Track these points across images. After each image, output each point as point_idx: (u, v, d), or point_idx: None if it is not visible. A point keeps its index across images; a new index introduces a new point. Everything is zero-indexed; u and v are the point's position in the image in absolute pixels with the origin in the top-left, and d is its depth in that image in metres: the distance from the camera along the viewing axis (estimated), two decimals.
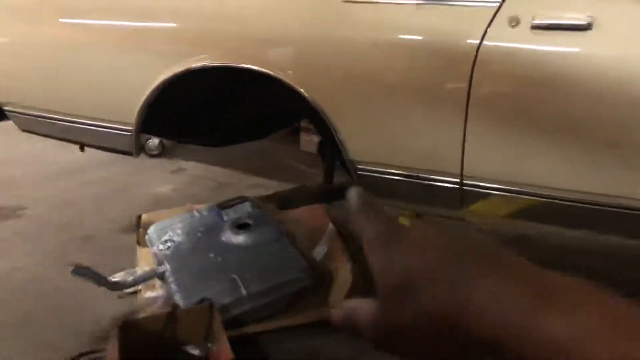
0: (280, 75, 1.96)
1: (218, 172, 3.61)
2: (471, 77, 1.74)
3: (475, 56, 1.73)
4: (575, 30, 1.63)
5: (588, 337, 0.29)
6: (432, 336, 0.35)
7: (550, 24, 1.66)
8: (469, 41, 1.74)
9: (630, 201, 1.67)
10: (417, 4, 1.85)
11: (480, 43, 1.72)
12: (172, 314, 1.83)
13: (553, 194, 1.76)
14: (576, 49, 1.65)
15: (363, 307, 0.38)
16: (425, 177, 1.93)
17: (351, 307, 0.39)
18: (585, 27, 1.61)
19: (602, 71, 1.61)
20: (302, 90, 1.95)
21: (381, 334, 0.37)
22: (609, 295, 0.32)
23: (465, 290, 0.33)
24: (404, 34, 1.87)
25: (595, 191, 1.70)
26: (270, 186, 3.11)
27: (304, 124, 3.43)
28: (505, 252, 0.36)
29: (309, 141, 3.55)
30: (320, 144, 2.88)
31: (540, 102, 1.71)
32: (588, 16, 1.62)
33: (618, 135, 1.64)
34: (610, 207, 1.69)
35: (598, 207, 1.69)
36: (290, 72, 1.96)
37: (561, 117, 1.70)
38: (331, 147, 2.19)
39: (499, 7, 1.73)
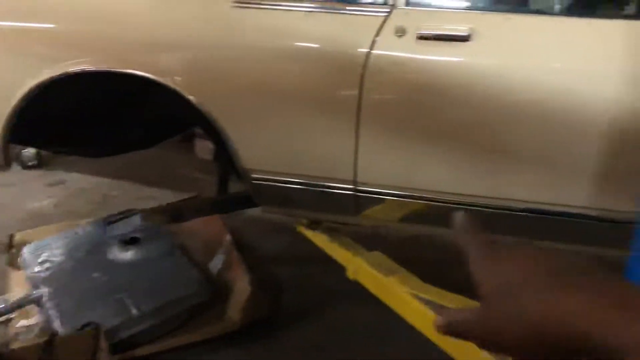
0: (167, 82, 1.87)
1: (103, 184, 3.39)
2: (361, 85, 1.77)
3: (365, 65, 1.76)
4: (457, 41, 1.71)
5: None
6: (532, 336, 0.39)
7: (434, 35, 1.73)
8: (358, 50, 1.77)
9: (509, 202, 1.77)
10: (306, 11, 1.85)
11: (369, 52, 1.76)
12: (50, 342, 1.67)
13: (441, 197, 1.83)
14: (457, 58, 1.73)
15: (467, 311, 0.43)
16: (320, 185, 1.93)
17: (456, 312, 0.44)
18: (466, 38, 1.70)
19: (481, 79, 1.70)
20: (191, 97, 1.88)
21: (484, 333, 0.42)
22: None
23: (560, 296, 0.38)
24: (294, 41, 1.85)
25: (479, 194, 1.79)
26: (162, 197, 2.95)
27: (198, 129, 3.32)
28: (599, 269, 0.40)
29: (205, 148, 3.43)
30: (216, 151, 2.80)
31: (427, 109, 1.77)
32: (468, 28, 1.70)
33: (496, 140, 1.74)
34: (493, 208, 1.79)
35: (482, 208, 1.78)
36: (178, 78, 1.88)
37: (446, 124, 1.77)
38: (224, 155, 2.13)
39: (387, 18, 1.77)
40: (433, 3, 1.90)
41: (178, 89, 1.87)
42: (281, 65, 1.84)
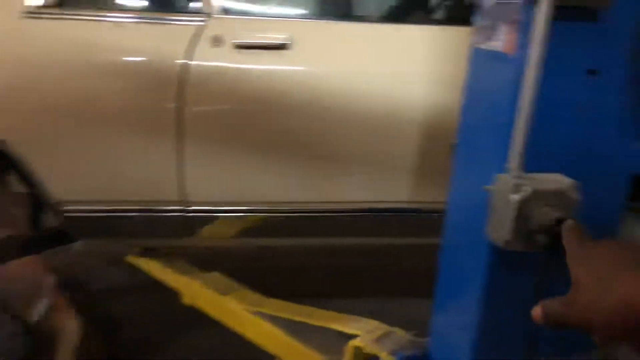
0: None
1: None
2: (179, 98, 1.66)
3: (181, 76, 1.66)
4: (275, 49, 1.69)
5: None
6: (620, 316, 0.45)
7: (252, 43, 1.68)
8: (173, 61, 1.66)
9: (343, 204, 1.79)
10: (114, 22, 1.70)
11: (186, 63, 1.66)
12: None
13: (276, 208, 1.79)
14: (277, 67, 1.70)
15: (559, 299, 0.51)
16: (146, 209, 1.78)
17: (548, 303, 0.51)
18: (284, 46, 1.68)
19: (301, 86, 1.69)
20: None
21: (575, 315, 0.48)
22: None
23: None
24: (101, 55, 1.68)
25: (312, 200, 1.78)
26: None
27: None
28: None
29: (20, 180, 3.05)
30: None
31: (250, 119, 1.72)
32: (286, 36, 1.69)
33: (321, 145, 1.74)
34: (328, 212, 1.79)
35: (317, 214, 1.77)
36: None
37: (271, 133, 1.73)
38: (33, 189, 1.87)
39: (202, 27, 1.69)
40: (250, 11, 1.86)
41: None
42: (86, 82, 1.66)
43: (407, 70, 1.71)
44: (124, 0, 1.94)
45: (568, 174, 0.90)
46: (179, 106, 1.67)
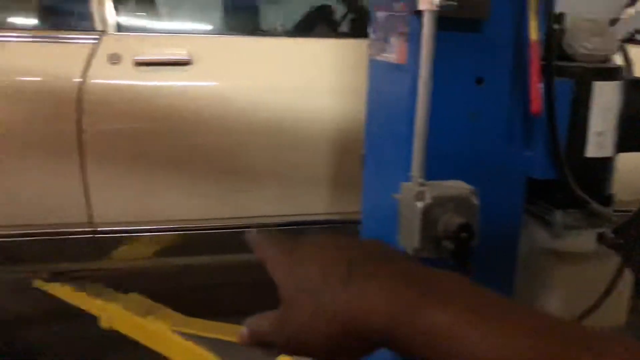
0: None
1: None
2: (79, 118, 1.60)
3: (79, 96, 1.60)
4: (177, 65, 1.66)
5: (462, 322, 0.33)
6: (332, 334, 0.38)
7: (153, 60, 1.65)
8: (69, 80, 1.60)
9: (256, 219, 1.80)
10: (5, 41, 1.60)
11: (82, 82, 1.60)
12: None
13: (186, 225, 1.77)
14: (180, 83, 1.68)
15: (266, 317, 0.42)
16: (53, 233, 1.70)
17: (254, 321, 0.42)
18: (187, 62, 1.66)
19: (206, 102, 1.68)
20: None
21: (286, 337, 0.40)
22: (477, 287, 0.37)
23: (358, 289, 0.37)
24: None
25: (226, 215, 1.78)
26: None
27: None
28: (394, 254, 0.41)
29: None
30: None
31: (154, 136, 1.68)
32: (189, 51, 1.67)
33: (231, 160, 1.74)
34: (241, 228, 1.79)
35: (231, 230, 1.77)
36: None
37: (177, 149, 1.71)
38: None
39: (97, 45, 1.63)
40: (147, 28, 1.82)
41: None
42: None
43: (313, 83, 1.74)
44: (15, 19, 1.83)
45: (468, 180, 0.97)
46: (79, 126, 1.60)
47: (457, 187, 0.95)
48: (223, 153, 1.73)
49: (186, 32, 1.87)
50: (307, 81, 1.74)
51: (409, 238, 0.93)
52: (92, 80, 1.61)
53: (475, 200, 0.92)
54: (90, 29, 1.66)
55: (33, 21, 1.85)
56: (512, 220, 1.09)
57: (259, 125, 1.70)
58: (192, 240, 1.80)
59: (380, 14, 1.12)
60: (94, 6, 1.65)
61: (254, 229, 0.48)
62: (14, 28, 1.74)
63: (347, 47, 1.78)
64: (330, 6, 2.37)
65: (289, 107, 1.72)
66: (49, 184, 1.65)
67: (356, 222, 1.26)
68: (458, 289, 0.37)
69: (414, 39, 0.99)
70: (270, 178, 1.77)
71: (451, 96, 1.04)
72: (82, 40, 1.64)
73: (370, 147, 1.20)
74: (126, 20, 1.73)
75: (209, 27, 1.96)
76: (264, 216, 1.79)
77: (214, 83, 1.70)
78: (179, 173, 1.71)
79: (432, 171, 0.99)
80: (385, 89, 1.13)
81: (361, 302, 0.37)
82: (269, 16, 2.20)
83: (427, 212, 0.90)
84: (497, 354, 0.32)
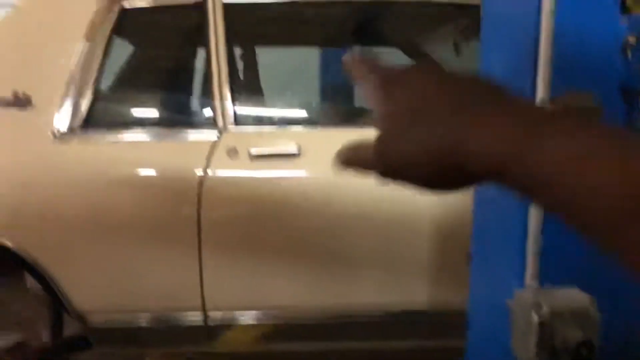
0: None
1: None
2: (199, 208, 1.73)
3: (201, 188, 1.73)
4: (287, 158, 1.77)
5: (594, 154, 0.28)
6: (435, 163, 0.35)
7: (265, 153, 1.77)
8: (193, 173, 1.75)
9: (358, 307, 1.80)
10: (133, 141, 1.81)
11: (204, 175, 1.74)
12: None
13: (294, 313, 1.81)
14: (289, 174, 1.78)
15: (366, 143, 0.39)
16: (166, 318, 1.80)
17: (355, 145, 0.41)
18: (295, 154, 1.76)
19: (314, 192, 1.76)
20: (6, 242, 1.70)
21: (386, 163, 0.38)
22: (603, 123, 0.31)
23: (463, 125, 0.33)
24: (124, 171, 1.78)
25: (331, 303, 1.80)
26: None
27: None
28: (501, 89, 0.36)
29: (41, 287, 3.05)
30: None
31: (266, 225, 1.77)
32: (297, 144, 1.77)
33: (337, 249, 1.78)
34: (346, 316, 1.80)
35: (336, 320, 1.78)
36: None
37: (287, 238, 1.78)
38: (54, 296, 1.91)
39: (218, 140, 1.78)
40: (262, 122, 1.97)
41: None
42: (110, 197, 1.75)
43: None
44: (143, 116, 2.07)
45: (585, 287, 0.92)
46: (198, 216, 1.73)
47: (574, 296, 0.90)
48: (327, 241, 1.77)
49: (296, 124, 1.99)
50: None
51: (524, 347, 0.89)
52: (213, 173, 1.74)
53: (595, 312, 0.87)
54: (212, 126, 1.82)
55: (159, 117, 2.08)
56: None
57: (363, 214, 1.74)
58: (295, 328, 1.83)
59: None
60: (216, 104, 1.82)
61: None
62: (141, 124, 1.94)
63: None
64: None
65: (390, 197, 1.75)
66: (166, 271, 1.77)
67: (461, 315, 1.23)
68: (579, 121, 0.32)
69: None
70: (371, 267, 1.78)
71: None
72: (205, 137, 1.80)
73: (478, 245, 1.18)
74: (243, 113, 1.88)
75: (315, 120, 2.07)
76: (367, 304, 1.79)
77: (319, 174, 1.77)
78: (286, 261, 1.77)
79: (547, 275, 0.96)
80: (494, 187, 1.12)
81: (466, 139, 0.33)
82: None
83: (543, 324, 0.86)
84: None
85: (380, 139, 0.38)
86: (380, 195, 1.73)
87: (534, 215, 0.94)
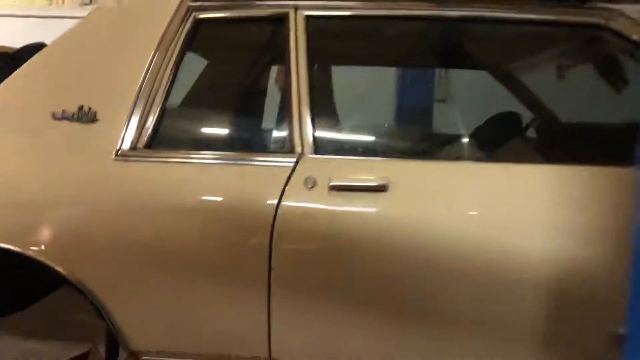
0: (30, 252, 1.54)
1: None
2: (271, 244, 1.53)
3: (274, 220, 1.54)
4: (372, 192, 1.55)
5: None
6: None
7: (347, 186, 1.56)
8: (266, 203, 1.56)
9: None
10: (204, 163, 1.63)
11: (278, 205, 1.55)
12: None
13: None
14: (374, 210, 1.55)
15: None
16: None
17: None
18: (381, 189, 1.54)
19: (401, 233, 1.52)
20: (59, 268, 1.55)
21: None
22: None
23: None
24: (190, 197, 1.60)
25: None
26: (47, 351, 2.38)
27: None
28: None
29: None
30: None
31: (345, 267, 1.55)
32: (383, 177, 1.55)
33: (424, 300, 1.53)
34: None
35: None
36: (42, 247, 1.55)
37: (368, 284, 1.55)
38: (111, 332, 1.74)
39: (294, 168, 1.59)
40: (344, 149, 1.76)
41: (42, 259, 1.54)
42: (173, 226, 1.57)
43: (522, 216, 1.50)
44: (213, 137, 1.90)
45: None
46: (270, 252, 1.53)
47: None
48: (415, 291, 1.53)
49: (382, 155, 1.75)
50: (513, 213, 1.51)
51: None
52: (288, 203, 1.55)
53: None
54: (289, 152, 1.63)
55: (231, 139, 1.90)
56: None
57: (455, 263, 1.49)
58: None
59: None
60: (295, 127, 1.63)
61: None
62: (210, 146, 1.76)
63: (561, 175, 1.54)
64: (517, 114, 2.18)
65: (493, 244, 1.49)
66: (232, 312, 1.58)
67: None
68: None
69: None
70: (469, 328, 1.52)
71: None
72: (280, 164, 1.61)
73: (637, 322, 0.92)
74: (324, 140, 1.68)
75: (404, 151, 1.84)
76: None
77: (408, 211, 1.53)
78: (365, 311, 1.54)
79: None
80: None
81: None
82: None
83: None
84: None
85: None
86: (483, 240, 1.48)
87: None
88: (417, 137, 1.90)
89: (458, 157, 1.83)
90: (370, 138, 1.93)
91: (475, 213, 1.53)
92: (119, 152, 1.62)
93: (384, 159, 1.67)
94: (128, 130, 1.64)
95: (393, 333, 1.53)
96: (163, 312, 1.60)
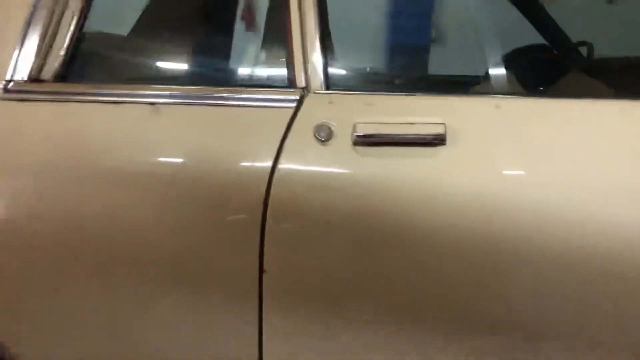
0: None
1: None
2: (262, 233, 0.97)
3: (267, 193, 0.97)
4: (424, 146, 0.99)
5: None
6: None
7: (384, 136, 0.99)
8: (253, 165, 0.98)
9: None
10: (151, 102, 1.03)
11: (273, 169, 0.97)
12: None
13: None
14: (429, 175, 0.99)
15: None
16: None
17: None
18: (439, 139, 0.98)
19: (462, 210, 0.97)
20: None
21: None
22: None
23: None
24: (131, 157, 1.00)
25: None
26: None
27: None
28: None
29: None
30: None
31: (378, 255, 0.99)
32: (438, 123, 0.99)
33: (486, 311, 1.00)
34: None
35: None
36: None
37: (408, 279, 0.99)
38: None
39: (295, 112, 1.01)
40: (370, 82, 1.18)
41: None
42: (101, 204, 0.97)
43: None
44: (164, 71, 1.26)
45: None
46: (260, 245, 0.97)
47: None
48: (483, 290, 1.00)
49: (430, 90, 1.14)
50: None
51: None
52: (284, 165, 0.97)
53: None
54: (287, 85, 1.04)
55: (197, 75, 1.28)
56: None
57: (551, 245, 0.96)
58: None
59: None
60: (295, 51, 1.04)
61: None
62: (170, 83, 1.16)
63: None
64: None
65: (602, 217, 0.97)
66: (222, 327, 1.02)
67: None
68: None
69: None
70: (563, 337, 1.01)
71: None
72: (274, 103, 1.02)
73: None
74: (336, 71, 1.10)
75: (463, 86, 1.27)
76: None
77: (476, 175, 0.98)
78: (408, 315, 1.01)
79: None
80: None
81: None
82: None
83: None
84: None
85: None
86: (585, 215, 0.95)
87: None
88: (468, 67, 1.32)
89: (515, 94, 1.27)
90: (408, 66, 1.34)
91: (569, 175, 0.99)
92: (8, 87, 0.99)
93: (432, 95, 1.09)
94: (24, 51, 1.01)
95: (455, 354, 1.01)
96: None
